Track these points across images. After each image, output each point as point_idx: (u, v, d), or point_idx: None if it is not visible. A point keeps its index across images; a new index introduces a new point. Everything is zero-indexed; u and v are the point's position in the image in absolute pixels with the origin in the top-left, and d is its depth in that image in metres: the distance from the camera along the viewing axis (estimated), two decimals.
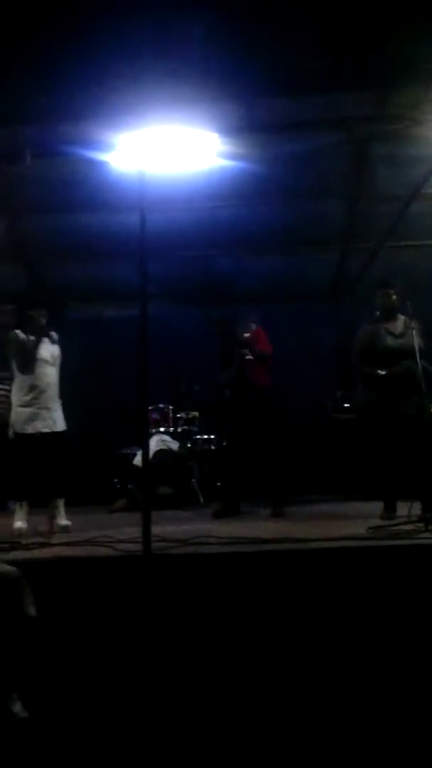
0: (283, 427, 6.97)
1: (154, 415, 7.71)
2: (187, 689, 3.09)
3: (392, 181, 7.07)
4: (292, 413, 7.60)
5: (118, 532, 4.80)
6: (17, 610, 2.93)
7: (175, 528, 4.92)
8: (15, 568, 3.13)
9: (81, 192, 7.01)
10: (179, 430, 7.88)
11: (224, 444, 7.61)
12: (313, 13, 4.82)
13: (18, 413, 5.38)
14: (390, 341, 5.34)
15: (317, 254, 8.47)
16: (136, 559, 3.76)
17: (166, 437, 7.58)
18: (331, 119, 6.04)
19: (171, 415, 7.89)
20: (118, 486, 7.53)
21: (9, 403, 7.99)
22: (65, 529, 5.26)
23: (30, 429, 5.31)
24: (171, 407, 7.90)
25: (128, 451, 7.47)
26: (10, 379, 7.95)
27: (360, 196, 7.41)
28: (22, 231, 7.90)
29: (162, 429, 7.73)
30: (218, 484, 7.69)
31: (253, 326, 6.26)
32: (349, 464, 7.19)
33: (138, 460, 7.07)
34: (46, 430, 5.37)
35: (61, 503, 5.44)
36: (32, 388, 5.41)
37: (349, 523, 4.87)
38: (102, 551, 4.18)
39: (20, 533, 5.08)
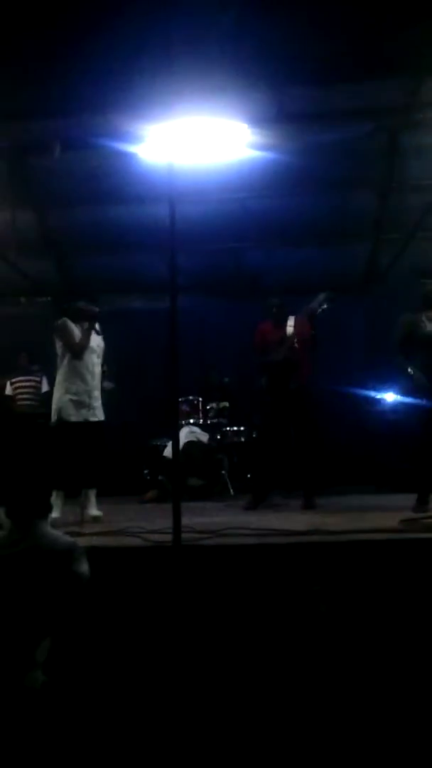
0: (319, 419, 6.94)
1: (184, 407, 7.71)
2: (216, 679, 3.09)
3: (424, 171, 6.98)
4: (323, 405, 7.55)
5: (148, 523, 4.82)
6: (70, 575, 2.96)
7: (205, 519, 4.92)
8: (68, 537, 3.17)
9: (110, 184, 7.04)
10: (209, 422, 7.88)
11: (255, 434, 7.60)
12: (345, 1, 4.78)
13: (64, 401, 5.37)
14: (430, 328, 5.28)
15: (348, 245, 8.40)
16: (167, 549, 3.77)
17: (196, 429, 7.59)
18: (362, 108, 5.99)
19: (201, 407, 7.89)
20: (149, 477, 7.56)
21: (38, 395, 8.16)
22: (97, 519, 5.29)
23: (75, 417, 5.32)
24: (201, 399, 7.90)
25: (158, 443, 7.49)
26: (40, 371, 8.11)
27: (391, 187, 7.33)
28: (51, 223, 7.95)
29: (192, 421, 7.74)
30: (248, 476, 7.69)
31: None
32: (381, 456, 7.14)
33: (168, 451, 7.09)
34: (94, 419, 5.40)
35: (92, 494, 5.47)
36: (81, 376, 5.43)
37: (382, 515, 4.83)
38: (133, 541, 4.19)
39: (54, 524, 5.09)
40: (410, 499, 5.10)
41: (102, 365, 5.68)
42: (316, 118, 5.93)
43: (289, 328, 6.00)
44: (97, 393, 5.53)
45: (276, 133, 5.81)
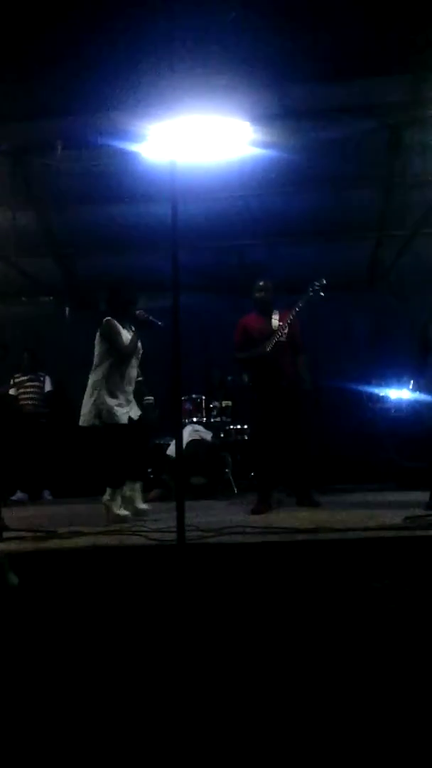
0: (317, 416, 6.93)
1: (187, 406, 7.71)
2: (220, 677, 3.08)
3: (427, 167, 6.97)
4: (326, 402, 7.55)
5: (152, 522, 4.82)
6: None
7: (208, 518, 4.91)
8: None
9: (112, 183, 7.04)
10: (212, 420, 7.88)
11: (252, 433, 7.55)
12: None
13: (110, 402, 5.23)
14: None
15: (352, 242, 8.40)
16: (171, 548, 3.77)
17: (200, 427, 7.59)
18: (365, 105, 5.97)
19: (204, 405, 7.89)
20: (152, 476, 7.56)
21: (41, 394, 8.17)
22: (144, 513, 5.33)
23: (124, 419, 5.26)
24: (204, 397, 7.90)
25: (162, 441, 7.50)
26: (43, 371, 8.10)
27: (394, 183, 7.31)
28: (53, 223, 7.96)
29: (195, 419, 7.74)
30: (252, 474, 7.69)
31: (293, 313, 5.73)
32: (385, 454, 7.14)
33: (171, 450, 7.09)
34: (135, 417, 5.37)
35: (139, 487, 5.51)
36: (127, 377, 5.36)
37: (386, 513, 4.82)
38: (136, 540, 4.18)
39: (125, 520, 5.09)
40: (413, 496, 5.09)
41: (138, 374, 5.60)
42: (318, 115, 5.93)
43: (275, 321, 5.72)
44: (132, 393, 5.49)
45: (278, 130, 5.81)
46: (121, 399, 5.29)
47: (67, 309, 9.31)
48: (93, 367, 5.35)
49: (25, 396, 8.17)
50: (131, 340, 5.34)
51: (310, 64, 5.08)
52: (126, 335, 5.34)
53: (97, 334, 5.38)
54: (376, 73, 5.43)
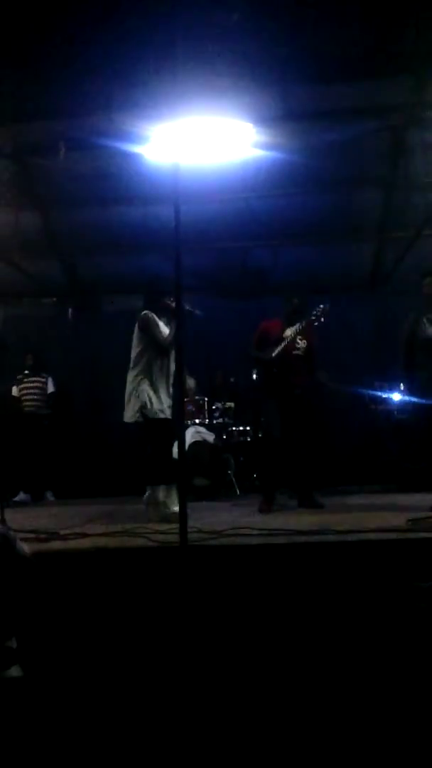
0: (322, 420, 6.96)
1: (190, 407, 7.71)
2: (222, 679, 3.08)
3: (429, 169, 6.97)
4: (329, 405, 7.55)
5: (154, 523, 4.81)
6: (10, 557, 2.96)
7: (211, 519, 4.91)
8: None
9: (115, 185, 7.04)
10: (215, 422, 7.87)
11: (260, 434, 7.58)
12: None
13: (153, 397, 5.16)
14: (430, 331, 5.27)
15: (354, 244, 8.40)
16: (173, 550, 3.77)
17: (202, 429, 7.59)
18: (367, 107, 5.97)
19: (206, 406, 7.89)
20: None
21: (44, 395, 8.17)
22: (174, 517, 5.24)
23: (168, 413, 5.18)
24: (206, 399, 7.90)
25: None
26: (46, 371, 8.12)
27: (396, 185, 7.31)
28: (56, 224, 7.96)
29: (198, 421, 7.74)
30: (254, 475, 7.69)
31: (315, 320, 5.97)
32: (387, 455, 7.14)
33: (174, 451, 7.08)
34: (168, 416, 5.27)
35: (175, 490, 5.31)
36: (167, 371, 5.28)
37: (388, 514, 4.82)
38: (138, 542, 4.18)
39: (174, 519, 4.99)
40: (416, 498, 5.08)
41: None
42: (321, 116, 5.93)
43: (288, 330, 5.93)
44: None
45: (281, 132, 5.81)
46: (163, 393, 5.23)
47: (69, 310, 9.31)
48: (132, 364, 5.29)
49: (28, 397, 8.17)
50: (169, 332, 5.24)
51: (313, 65, 5.10)
52: (164, 327, 5.29)
53: (136, 329, 5.33)
54: (379, 75, 5.44)
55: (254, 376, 6.28)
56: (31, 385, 8.20)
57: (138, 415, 5.16)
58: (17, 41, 4.88)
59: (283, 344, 5.82)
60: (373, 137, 6.59)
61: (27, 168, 6.92)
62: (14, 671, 2.78)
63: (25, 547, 3.09)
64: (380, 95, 5.87)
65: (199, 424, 7.69)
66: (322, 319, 5.90)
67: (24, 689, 2.73)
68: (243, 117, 5.30)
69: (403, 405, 7.41)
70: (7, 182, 6.97)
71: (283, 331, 5.96)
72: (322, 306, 5.95)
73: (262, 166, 6.58)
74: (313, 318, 5.90)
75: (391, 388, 7.54)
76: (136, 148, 5.83)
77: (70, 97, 5.26)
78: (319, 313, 5.93)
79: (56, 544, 4.19)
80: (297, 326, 5.88)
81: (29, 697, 2.75)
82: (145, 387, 5.16)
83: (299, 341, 5.91)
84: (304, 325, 5.86)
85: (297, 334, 5.87)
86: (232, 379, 8.06)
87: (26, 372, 8.19)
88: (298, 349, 5.91)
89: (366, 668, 3.10)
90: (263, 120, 5.51)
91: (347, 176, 7.23)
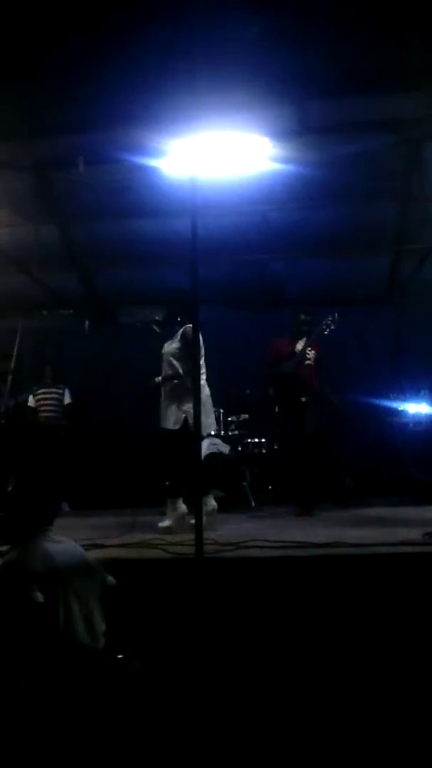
0: (336, 430, 6.99)
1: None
2: (238, 691, 3.08)
3: None
4: (345, 417, 7.54)
5: (170, 535, 4.83)
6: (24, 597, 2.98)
7: (226, 531, 4.92)
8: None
9: (133, 198, 7.09)
10: (230, 433, 7.88)
11: (276, 446, 7.65)
12: (365, 13, 4.79)
13: (190, 411, 5.26)
14: None
15: (370, 257, 8.38)
16: (189, 561, 3.78)
17: (217, 441, 7.58)
18: (384, 121, 5.97)
19: (222, 418, 7.90)
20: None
21: (60, 407, 8.22)
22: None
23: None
24: (222, 411, 7.91)
25: None
26: (63, 383, 8.17)
27: (413, 198, 7.31)
28: (74, 237, 8.01)
29: (213, 432, 7.74)
30: (269, 487, 7.70)
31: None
32: (402, 468, 7.11)
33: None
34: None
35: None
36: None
37: (404, 528, 4.80)
38: (155, 553, 4.20)
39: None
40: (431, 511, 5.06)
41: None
42: (337, 130, 5.92)
43: (299, 345, 6.42)
44: None
45: (297, 146, 5.82)
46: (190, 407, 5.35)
47: (86, 322, 9.37)
48: (172, 375, 5.47)
49: (45, 408, 8.22)
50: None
51: (329, 80, 5.11)
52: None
53: (179, 341, 5.48)
54: (395, 89, 5.44)
55: (271, 392, 6.72)
56: (48, 396, 8.26)
57: (177, 425, 5.38)
58: (36, 55, 4.94)
59: (296, 358, 6.33)
60: (389, 151, 6.58)
61: (46, 181, 6.98)
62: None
63: (112, 579, 3.10)
64: (397, 109, 5.86)
65: (215, 436, 7.69)
66: (332, 327, 6.38)
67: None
68: (259, 131, 5.33)
69: (418, 417, 7.39)
70: (27, 196, 7.03)
71: (294, 345, 6.39)
72: (330, 318, 6.43)
73: (278, 179, 6.60)
74: (323, 327, 6.39)
75: (410, 400, 7.53)
76: (154, 162, 5.87)
77: (88, 112, 5.30)
78: (329, 323, 6.41)
79: None
80: (306, 339, 6.39)
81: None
82: (187, 401, 5.29)
83: (308, 352, 6.40)
84: (313, 337, 6.36)
85: (306, 345, 6.35)
86: (247, 391, 8.07)
87: (43, 383, 8.25)
88: (309, 359, 6.39)
89: (380, 680, 3.10)
90: (280, 134, 5.53)
91: (363, 189, 7.22)
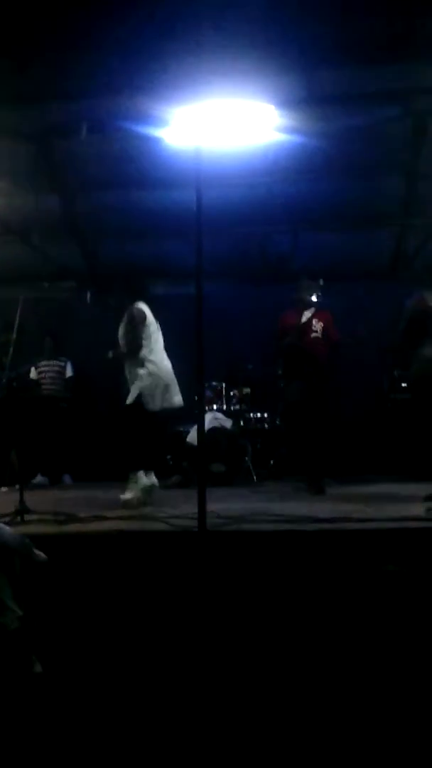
0: (338, 406, 6.93)
1: (207, 393, 7.70)
2: (240, 664, 3.09)
3: None
4: (348, 392, 7.50)
5: (172, 508, 4.82)
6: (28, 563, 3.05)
7: (228, 505, 4.91)
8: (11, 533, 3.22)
9: (136, 168, 6.99)
10: (232, 408, 7.86)
11: (278, 421, 7.63)
12: None
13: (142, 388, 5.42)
14: None
15: (375, 231, 8.30)
16: (192, 534, 3.78)
17: (220, 415, 7.58)
18: (391, 91, 5.87)
19: (224, 393, 7.88)
20: (171, 463, 7.57)
21: (62, 379, 8.19)
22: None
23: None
24: (224, 385, 7.89)
25: (182, 428, 7.49)
26: (65, 355, 8.13)
27: (419, 172, 7.21)
28: (76, 208, 7.92)
29: (215, 407, 7.73)
30: (271, 462, 7.69)
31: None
32: (406, 444, 7.08)
33: (191, 437, 7.08)
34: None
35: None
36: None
37: (407, 504, 4.80)
38: (158, 526, 4.20)
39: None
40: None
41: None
42: (344, 100, 5.83)
43: (306, 315, 6.19)
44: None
45: (303, 115, 5.71)
46: None
47: (88, 294, 9.29)
48: (120, 354, 5.53)
49: (46, 380, 8.20)
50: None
51: (337, 48, 5.01)
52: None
53: (125, 319, 5.52)
54: (405, 59, 5.34)
55: (279, 371, 6.66)
56: (50, 368, 8.23)
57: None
58: (38, 20, 4.84)
59: (297, 330, 6.13)
60: (396, 123, 6.48)
61: (47, 150, 6.87)
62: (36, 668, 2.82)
63: (42, 555, 3.15)
64: (405, 79, 5.76)
65: (217, 410, 7.68)
66: (319, 294, 6.21)
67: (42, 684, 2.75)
68: (266, 100, 5.22)
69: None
70: (28, 165, 6.92)
71: (300, 317, 6.19)
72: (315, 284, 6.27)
73: (283, 150, 6.49)
74: (308, 294, 6.20)
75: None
76: (158, 131, 5.77)
77: (91, 78, 5.20)
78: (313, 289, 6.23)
79: (75, 527, 4.21)
80: (308, 311, 6.19)
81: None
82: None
83: (315, 324, 6.15)
84: (301, 304, 6.19)
85: (312, 317, 6.16)
86: (249, 366, 8.03)
87: (45, 356, 8.21)
88: (315, 331, 6.17)
89: (383, 654, 3.10)
90: (286, 102, 5.41)
91: (369, 162, 7.11)
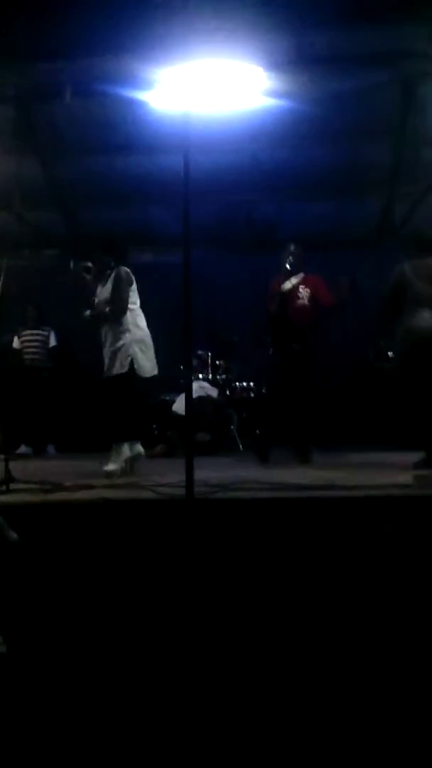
0: (324, 376, 6.90)
1: (194, 362, 7.65)
2: (228, 634, 3.08)
3: None
4: (333, 362, 7.49)
5: (159, 477, 4.80)
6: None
7: (214, 474, 4.89)
8: None
9: (120, 133, 6.86)
10: (218, 377, 7.84)
11: (263, 390, 7.60)
12: None
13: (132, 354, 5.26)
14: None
15: (362, 199, 8.24)
16: (179, 503, 3.76)
17: (205, 384, 7.55)
18: (381, 54, 5.77)
19: (210, 362, 7.85)
20: (156, 432, 7.55)
21: (45, 348, 8.11)
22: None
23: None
24: (210, 354, 7.85)
25: (167, 398, 7.46)
26: (48, 324, 8.03)
27: (407, 139, 7.14)
28: (58, 173, 7.79)
29: (201, 376, 7.70)
30: (257, 431, 7.68)
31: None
32: (392, 414, 7.10)
33: (177, 406, 7.06)
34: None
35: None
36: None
37: (393, 472, 4.81)
38: (145, 494, 4.17)
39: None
40: (418, 456, 5.05)
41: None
42: (334, 63, 5.71)
43: (288, 283, 5.97)
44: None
45: (292, 79, 5.62)
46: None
47: (72, 262, 9.16)
48: (104, 316, 5.37)
49: (29, 350, 8.11)
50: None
51: (328, 9, 4.91)
52: None
53: (112, 284, 5.38)
54: (395, 19, 5.25)
55: (268, 339, 6.32)
56: (33, 337, 8.14)
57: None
58: None
59: (279, 297, 5.89)
60: (384, 89, 6.40)
61: (28, 113, 6.72)
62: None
63: (14, 534, 3.13)
64: (394, 41, 5.66)
65: (203, 379, 7.65)
66: (291, 260, 5.93)
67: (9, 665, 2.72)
68: (254, 61, 5.12)
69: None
70: (8, 128, 6.75)
71: (282, 284, 5.99)
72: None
73: (269, 115, 6.39)
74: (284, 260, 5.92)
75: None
76: (143, 95, 5.65)
77: (75, 38, 5.06)
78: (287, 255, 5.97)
79: (61, 495, 4.18)
80: (295, 277, 5.94)
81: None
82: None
83: (301, 290, 5.94)
84: (306, 274, 5.94)
85: (299, 284, 5.93)
86: (235, 338, 7.98)
87: (27, 324, 8.11)
88: (301, 297, 5.94)
89: (373, 623, 3.11)
90: (274, 65, 5.31)
91: (356, 128, 7.03)
